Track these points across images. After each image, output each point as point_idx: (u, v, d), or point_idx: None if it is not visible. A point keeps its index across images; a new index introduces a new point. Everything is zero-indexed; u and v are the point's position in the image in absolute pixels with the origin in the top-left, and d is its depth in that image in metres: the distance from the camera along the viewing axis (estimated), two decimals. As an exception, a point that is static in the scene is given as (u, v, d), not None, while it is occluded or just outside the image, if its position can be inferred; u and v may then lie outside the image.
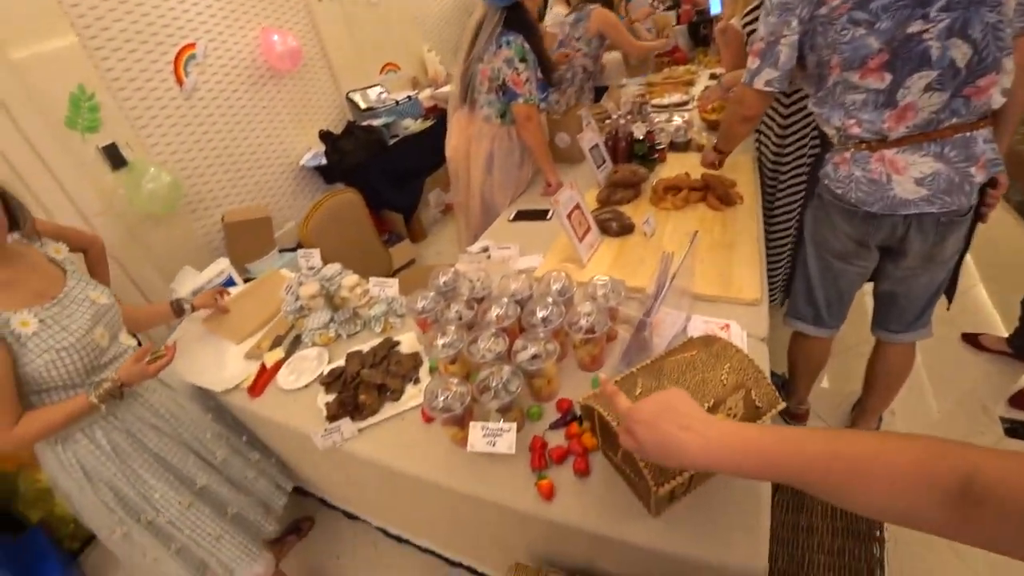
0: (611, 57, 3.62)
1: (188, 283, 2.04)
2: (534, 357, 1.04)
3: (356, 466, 1.24)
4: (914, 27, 1.08)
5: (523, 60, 1.90)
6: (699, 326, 1.24)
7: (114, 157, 2.58)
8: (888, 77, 1.15)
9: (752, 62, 1.34)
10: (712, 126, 2.53)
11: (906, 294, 1.50)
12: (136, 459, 1.27)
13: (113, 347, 1.26)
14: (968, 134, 1.17)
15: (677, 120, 2.50)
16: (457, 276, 1.36)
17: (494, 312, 1.16)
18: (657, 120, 2.60)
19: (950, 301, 1.58)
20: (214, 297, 1.73)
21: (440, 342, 1.12)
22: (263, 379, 1.49)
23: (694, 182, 1.85)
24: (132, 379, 1.20)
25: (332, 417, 1.24)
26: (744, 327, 1.25)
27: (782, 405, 0.87)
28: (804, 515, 1.42)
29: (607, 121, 2.34)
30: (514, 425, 0.99)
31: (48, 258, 1.25)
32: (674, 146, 2.36)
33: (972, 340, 2.24)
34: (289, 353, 1.54)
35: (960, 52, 1.09)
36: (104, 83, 2.55)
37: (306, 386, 1.41)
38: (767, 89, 1.34)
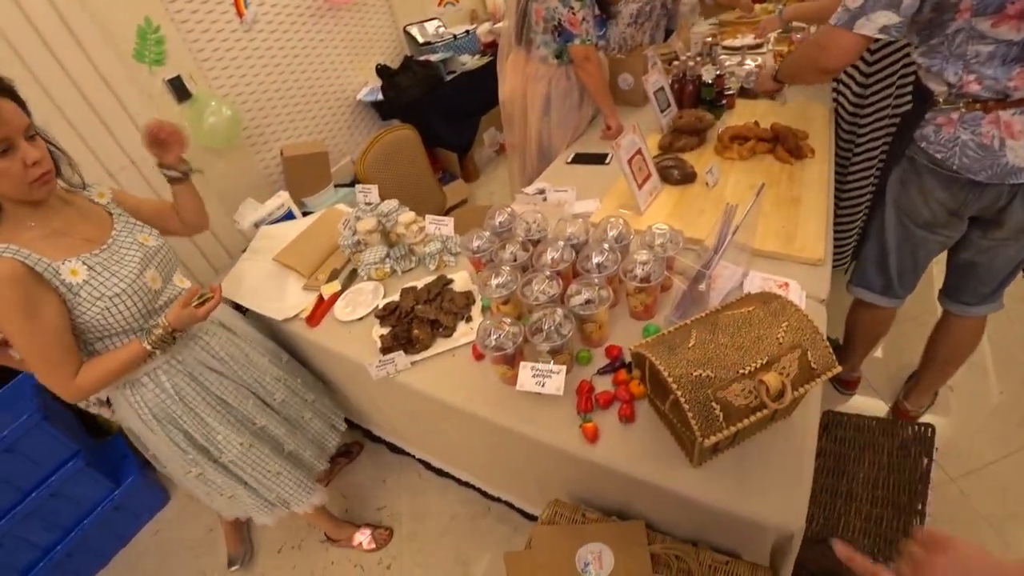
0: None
1: (250, 215, 2.12)
2: (587, 302, 1.04)
3: (407, 398, 1.30)
4: None
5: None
6: (757, 282, 1.21)
7: (179, 90, 2.63)
8: None
9: (853, 0, 1.09)
10: None
11: (988, 265, 1.38)
12: (199, 402, 1.30)
13: (168, 289, 1.25)
14: None
15: (749, 64, 2.35)
16: (513, 217, 1.36)
17: (549, 255, 1.16)
18: (728, 63, 2.45)
19: None
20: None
21: (494, 282, 1.14)
22: (321, 310, 1.55)
23: (763, 132, 1.75)
24: (181, 323, 1.17)
25: (386, 349, 1.29)
26: (804, 287, 1.21)
27: (838, 369, 0.85)
28: (845, 481, 1.40)
29: (674, 63, 2.21)
30: (563, 368, 1.00)
31: (94, 203, 1.23)
32: (744, 92, 2.21)
33: None
34: (346, 286, 1.60)
35: None
36: (168, 15, 2.57)
37: (361, 318, 1.46)
38: (880, 36, 1.09)
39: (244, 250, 1.97)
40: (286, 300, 1.65)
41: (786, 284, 1.20)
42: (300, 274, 1.71)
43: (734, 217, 1.08)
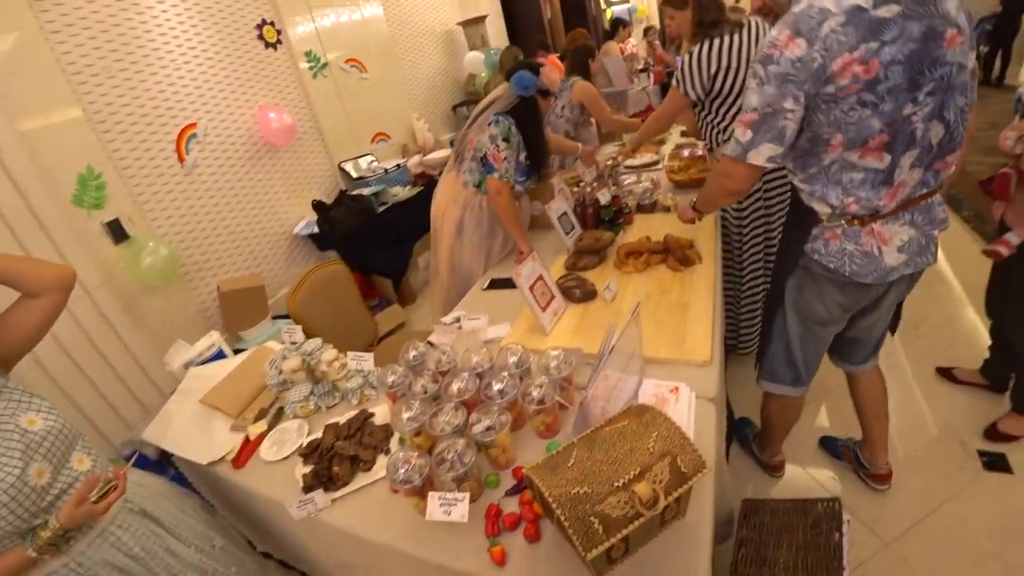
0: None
1: (180, 356, 2.15)
2: (488, 429, 1.13)
3: (331, 536, 1.30)
4: (907, 109, 1.14)
5: (506, 140, 2.06)
6: (651, 390, 1.32)
7: (116, 232, 2.74)
8: (887, 157, 1.19)
9: (743, 134, 1.24)
10: (679, 185, 2.69)
11: (867, 337, 1.64)
12: None
13: (62, 478, 1.07)
14: (929, 200, 1.30)
15: (646, 182, 2.66)
16: (427, 350, 1.46)
17: (455, 385, 1.26)
18: (627, 182, 2.76)
19: (893, 333, 1.74)
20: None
21: (406, 415, 1.22)
22: (247, 451, 1.56)
23: (655, 245, 1.96)
24: (76, 523, 1.03)
25: (307, 488, 1.31)
26: (693, 388, 1.33)
27: (707, 470, 0.95)
28: (767, 568, 1.45)
29: (579, 186, 2.48)
30: (467, 495, 1.06)
31: None
32: (641, 208, 2.49)
33: (947, 374, 2.30)
34: (272, 425, 1.63)
35: (936, 132, 1.19)
36: (111, 161, 2.73)
37: (286, 457, 1.48)
38: (768, 165, 1.27)
39: (173, 392, 1.99)
40: (212, 442, 1.65)
41: (676, 388, 1.31)
42: (227, 415, 1.73)
43: (614, 334, 1.22)
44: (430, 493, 1.08)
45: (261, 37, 3.48)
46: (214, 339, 2.20)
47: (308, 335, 2.09)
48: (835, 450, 2.05)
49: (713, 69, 2.03)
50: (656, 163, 3.13)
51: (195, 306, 3.13)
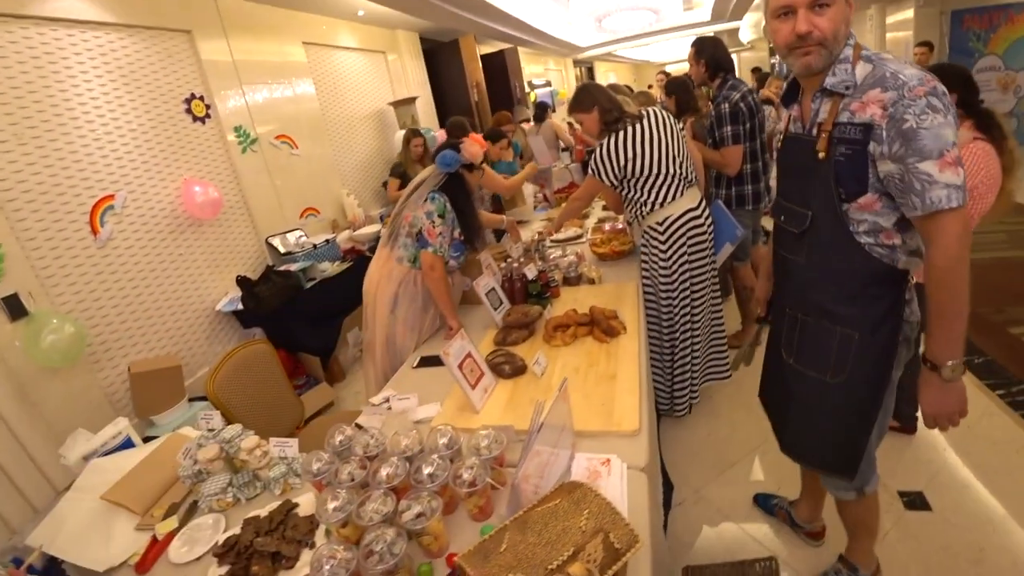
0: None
1: (79, 447, 1.97)
2: (418, 516, 1.10)
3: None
4: None
5: (441, 216, 2.13)
6: (583, 463, 1.32)
7: (14, 308, 2.53)
8: None
9: (956, 174, 1.07)
10: (602, 258, 2.84)
11: None
12: None
13: None
14: None
15: (570, 256, 2.79)
16: (354, 434, 1.43)
17: (384, 471, 1.23)
18: (553, 256, 2.89)
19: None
20: None
21: (331, 506, 1.16)
22: (153, 552, 1.42)
23: (581, 317, 2.02)
24: None
25: (221, 597, 1.22)
26: (625, 459, 1.34)
27: (640, 544, 0.97)
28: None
29: (506, 261, 2.57)
30: (396, 590, 1.02)
31: None
32: (567, 280, 2.59)
33: None
34: (184, 522, 1.50)
35: None
36: (14, 234, 2.57)
37: (199, 558, 1.37)
38: None
39: (67, 488, 1.80)
40: (112, 545, 1.50)
41: (608, 460, 1.32)
42: (133, 512, 1.59)
43: (542, 411, 1.25)
44: (358, 591, 1.03)
45: (189, 111, 3.47)
46: (120, 427, 2.04)
47: (229, 419, 1.98)
48: (769, 508, 2.11)
49: (623, 159, 2.28)
50: (580, 236, 3.30)
51: (101, 390, 2.90)
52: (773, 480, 2.27)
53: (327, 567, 1.03)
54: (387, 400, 1.79)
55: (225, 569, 1.27)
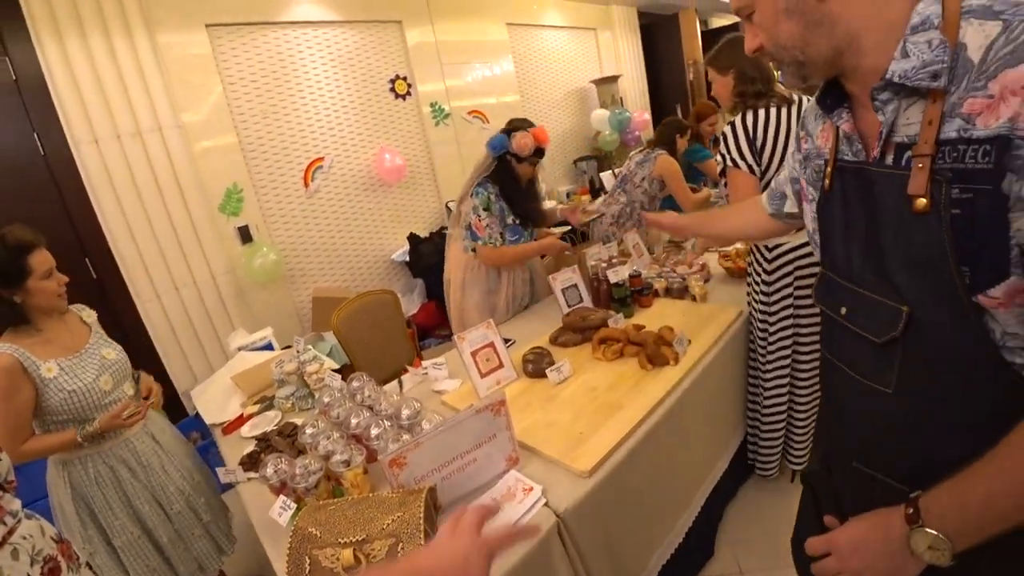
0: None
1: (238, 340, 2.65)
2: (345, 462, 1.29)
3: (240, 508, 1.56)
4: None
5: (487, 209, 2.24)
6: (510, 481, 1.30)
7: (245, 235, 3.42)
8: None
9: None
10: (731, 273, 2.50)
11: None
12: (109, 489, 1.64)
13: (116, 392, 1.68)
14: None
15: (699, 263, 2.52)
16: (370, 384, 1.70)
17: (354, 420, 1.46)
18: (674, 260, 2.66)
19: None
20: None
21: (308, 430, 1.46)
22: (235, 424, 1.95)
23: (637, 336, 1.85)
24: (107, 427, 1.58)
25: (242, 464, 1.61)
26: (548, 495, 1.25)
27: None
28: None
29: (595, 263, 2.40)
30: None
31: (81, 320, 1.74)
32: (670, 292, 2.37)
33: None
34: (261, 411, 1.98)
35: None
36: (252, 181, 3.44)
37: (255, 437, 1.79)
38: None
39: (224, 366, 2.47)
40: (224, 410, 2.07)
41: (531, 488, 1.26)
42: (244, 393, 2.14)
43: (462, 414, 1.27)
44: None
45: (393, 90, 4.08)
46: (267, 333, 2.67)
47: (347, 350, 2.45)
48: None
49: (758, 143, 1.80)
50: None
51: (292, 304, 3.73)
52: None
53: (270, 469, 1.31)
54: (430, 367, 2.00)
55: (252, 446, 1.69)
